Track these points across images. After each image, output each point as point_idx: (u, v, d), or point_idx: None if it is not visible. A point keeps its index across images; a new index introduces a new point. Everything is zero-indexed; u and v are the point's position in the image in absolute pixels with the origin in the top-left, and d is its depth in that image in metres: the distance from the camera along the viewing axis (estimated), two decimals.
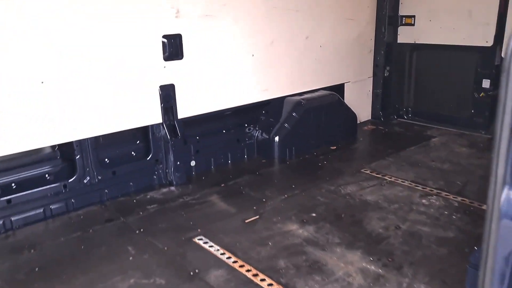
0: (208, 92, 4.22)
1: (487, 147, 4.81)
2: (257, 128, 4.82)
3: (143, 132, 3.99)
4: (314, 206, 3.58)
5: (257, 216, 3.44)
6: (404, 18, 5.65)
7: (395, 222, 3.25)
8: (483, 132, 5.25)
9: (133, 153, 4.00)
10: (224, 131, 4.61)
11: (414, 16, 5.56)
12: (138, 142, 4.03)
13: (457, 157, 4.56)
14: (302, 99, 4.87)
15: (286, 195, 3.79)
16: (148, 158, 4.03)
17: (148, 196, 3.87)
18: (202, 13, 3.98)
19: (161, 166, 4.09)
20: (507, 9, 4.74)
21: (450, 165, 4.34)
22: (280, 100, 4.86)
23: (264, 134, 4.78)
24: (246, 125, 4.77)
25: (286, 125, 4.73)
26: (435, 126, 5.61)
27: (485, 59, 5.08)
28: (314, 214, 3.43)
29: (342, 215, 3.41)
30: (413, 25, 5.59)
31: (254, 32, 4.43)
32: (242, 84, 4.48)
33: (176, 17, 3.81)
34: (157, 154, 4.06)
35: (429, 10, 5.41)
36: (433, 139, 5.16)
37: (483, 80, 5.15)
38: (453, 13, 5.19)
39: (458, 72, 5.37)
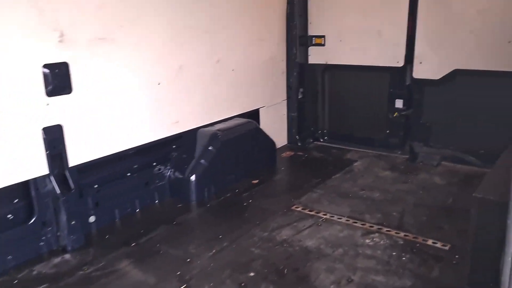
0: (106, 131, 3.46)
1: (408, 169, 4.72)
2: (168, 167, 4.14)
3: (22, 188, 3.08)
4: (250, 261, 3.02)
5: (184, 286, 2.77)
6: (314, 38, 5.43)
7: (345, 273, 2.83)
8: (399, 153, 5.19)
9: (9, 216, 3.07)
10: (129, 174, 3.84)
11: (324, 36, 5.37)
12: (16, 201, 3.10)
13: (383, 183, 4.36)
14: (218, 130, 4.31)
15: (214, 250, 3.18)
16: (31, 221, 3.12)
17: (35, 272, 2.97)
18: (94, 36, 3.23)
19: (50, 229, 3.20)
20: (415, 29, 4.74)
21: (380, 193, 4.11)
22: (193, 133, 4.26)
23: (177, 173, 4.12)
24: (155, 164, 4.05)
25: (202, 161, 4.12)
26: (353, 148, 5.45)
27: (397, 79, 5.04)
28: (252, 274, 2.87)
29: (285, 271, 2.90)
30: (324, 45, 5.40)
31: (160, 57, 3.79)
32: (147, 118, 3.78)
33: (60, 41, 3.01)
34: (44, 214, 3.17)
35: (339, 30, 5.26)
36: (355, 164, 4.94)
37: (396, 100, 5.11)
38: (363, 33, 5.09)
39: (371, 93, 5.27)
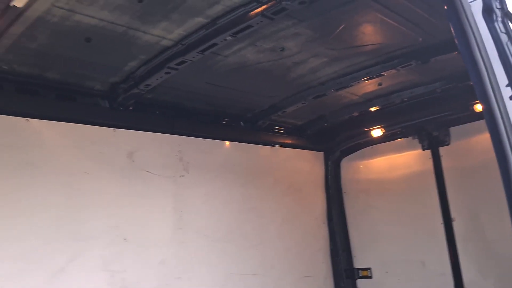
0: None
1: None
2: None
3: None
4: None
5: None
6: (360, 270, 5.57)
7: None
8: None
9: None
10: None
11: (370, 269, 5.51)
12: None
13: None
14: None
15: None
16: None
17: None
18: None
19: None
20: (458, 258, 4.79)
21: None
22: None
23: None
24: None
25: None
26: None
27: None
28: None
29: None
30: (371, 277, 5.48)
31: None
32: None
33: None
34: None
35: (383, 262, 5.40)
36: None
37: None
38: (407, 264, 5.18)
39: None
